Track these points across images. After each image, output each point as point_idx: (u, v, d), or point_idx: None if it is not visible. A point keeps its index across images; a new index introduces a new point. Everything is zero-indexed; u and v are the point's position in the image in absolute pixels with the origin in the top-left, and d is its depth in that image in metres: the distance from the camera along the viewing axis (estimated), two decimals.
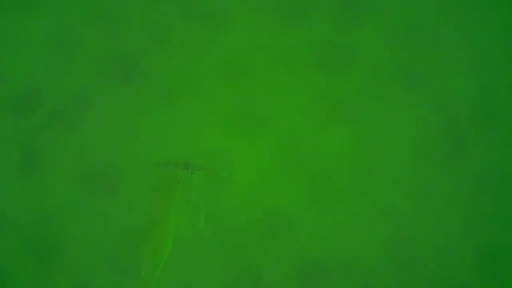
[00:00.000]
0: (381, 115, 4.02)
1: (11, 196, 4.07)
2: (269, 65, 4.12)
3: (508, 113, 4.02)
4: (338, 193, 3.96)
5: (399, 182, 3.95)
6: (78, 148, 4.11)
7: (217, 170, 3.98)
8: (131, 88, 4.17)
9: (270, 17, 4.21)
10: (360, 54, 4.12)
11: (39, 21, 4.26)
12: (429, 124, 4.00)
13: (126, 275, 3.92)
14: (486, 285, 3.85)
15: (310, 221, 3.93)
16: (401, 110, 4.02)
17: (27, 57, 4.24)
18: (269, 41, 4.16)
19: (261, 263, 3.89)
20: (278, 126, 4.03)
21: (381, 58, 4.10)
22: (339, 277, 3.87)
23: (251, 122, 4.05)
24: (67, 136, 4.12)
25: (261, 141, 4.01)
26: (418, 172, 3.96)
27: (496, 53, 4.09)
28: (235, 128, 4.05)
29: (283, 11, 4.20)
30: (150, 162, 4.04)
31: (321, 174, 3.97)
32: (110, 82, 4.19)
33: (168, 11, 4.25)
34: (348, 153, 3.99)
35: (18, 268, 4.00)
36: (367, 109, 4.04)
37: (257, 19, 4.20)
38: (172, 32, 4.23)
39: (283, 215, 3.94)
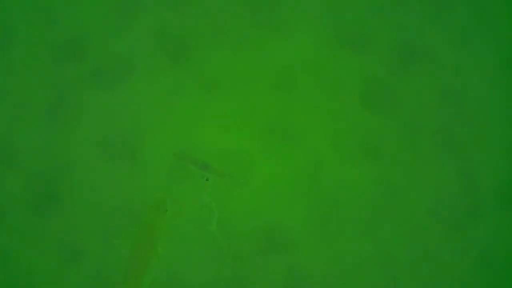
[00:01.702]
0: (408, 165, 4.04)
1: (32, 138, 4.07)
2: (315, 86, 4.13)
3: None
4: (344, 227, 3.98)
5: (404, 235, 3.97)
6: (108, 109, 4.10)
7: (236, 174, 3.98)
8: (175, 68, 4.16)
9: (328, 39, 4.21)
10: (404, 100, 4.13)
11: None
12: (451, 188, 4.02)
13: (117, 243, 3.93)
14: None
15: (310, 245, 3.95)
16: (428, 167, 4.03)
17: (84, 7, 4.23)
18: (321, 62, 4.16)
19: (252, 273, 3.91)
20: (306, 149, 4.04)
21: (424, 110, 4.11)
22: None
23: (282, 136, 4.06)
24: (101, 95, 4.12)
25: (286, 158, 4.02)
26: (426, 232, 3.98)
27: None
28: (265, 137, 4.06)
29: (342, 38, 4.20)
30: (173, 145, 4.04)
31: (333, 205, 3.99)
32: (157, 56, 4.18)
33: (234, 4, 4.24)
34: (365, 193, 4.00)
35: (16, 207, 4.01)
36: (396, 155, 4.06)
37: (315, 37, 4.20)
38: (231, 25, 4.22)
39: (287, 233, 3.96)
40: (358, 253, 3.95)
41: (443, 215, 3.98)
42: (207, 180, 3.95)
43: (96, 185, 4.02)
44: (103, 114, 4.10)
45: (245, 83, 4.14)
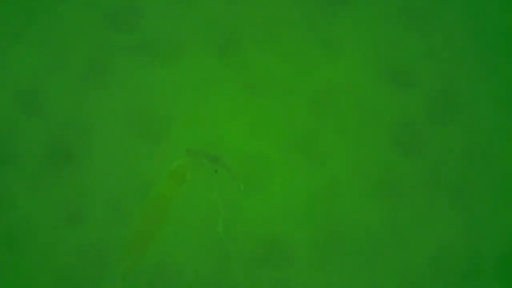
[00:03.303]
0: (419, 210, 4.04)
1: (64, 93, 4.15)
2: (351, 112, 4.15)
3: None
4: (343, 254, 3.99)
5: (400, 277, 3.98)
6: (145, 84, 4.16)
7: (250, 177, 4.02)
8: (221, 60, 4.20)
9: (376, 70, 4.22)
10: (431, 146, 4.12)
11: None
12: (455, 244, 4.02)
13: (125, 211, 3.99)
14: None
15: (306, 264, 3.98)
16: (439, 216, 4.04)
17: None
18: (362, 90, 4.18)
19: (241, 276, 3.95)
20: (326, 170, 4.06)
21: (448, 159, 4.11)
22: None
23: (306, 152, 4.08)
24: (141, 69, 4.18)
25: (304, 174, 4.05)
26: (422, 280, 3.99)
27: None
28: (289, 149, 4.08)
29: (390, 72, 4.21)
30: (199, 136, 4.07)
31: (339, 231, 4.01)
32: (206, 44, 4.23)
33: (292, 12, 4.27)
34: (372, 226, 4.01)
35: (31, 154, 4.07)
36: (410, 197, 4.06)
37: (364, 65, 4.22)
38: (284, 32, 4.26)
39: (287, 247, 3.98)
40: (351, 284, 3.97)
41: (443, 267, 3.98)
42: (216, 171, 3.97)
43: (113, 155, 4.06)
44: (139, 88, 4.15)
45: (284, 92, 4.17)
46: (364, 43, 4.23)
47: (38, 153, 4.08)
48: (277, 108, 4.14)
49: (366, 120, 4.13)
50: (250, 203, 4.01)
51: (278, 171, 4.05)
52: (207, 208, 3.98)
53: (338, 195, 4.03)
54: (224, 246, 3.95)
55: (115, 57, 4.19)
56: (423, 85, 4.20)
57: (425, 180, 4.07)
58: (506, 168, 4.10)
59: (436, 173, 4.08)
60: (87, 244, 3.96)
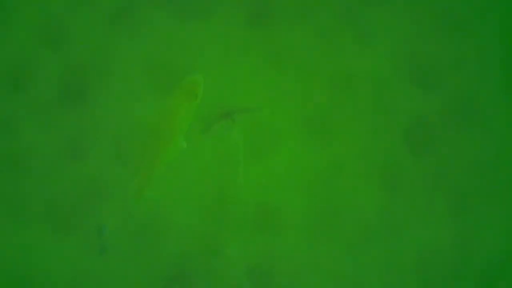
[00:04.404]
0: (418, 206, 4.05)
1: (86, 30, 4.18)
2: (372, 104, 4.15)
3: None
4: (334, 237, 4.01)
5: (386, 269, 4.00)
6: (171, 38, 4.17)
7: (258, 144, 4.03)
8: (253, 32, 4.20)
9: (401, 70, 4.21)
10: (443, 151, 4.12)
11: None
12: (443, 248, 4.02)
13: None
14: None
15: (297, 240, 4.00)
16: (434, 217, 4.04)
17: None
18: (385, 85, 4.17)
19: (233, 242, 3.96)
20: (337, 152, 4.07)
21: (457, 167, 4.10)
22: None
23: (322, 132, 4.09)
24: (171, 23, 4.18)
25: (308, 153, 4.06)
26: (405, 274, 3.99)
27: None
28: (306, 129, 4.09)
29: (413, 75, 4.20)
30: (214, 101, 4.07)
31: (335, 212, 4.02)
32: (238, 11, 4.22)
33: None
34: (368, 215, 4.03)
35: (44, 85, 4.10)
36: (411, 192, 4.06)
37: (391, 59, 4.21)
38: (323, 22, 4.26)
39: (277, 220, 4.00)
40: (335, 262, 3.97)
41: (427, 267, 3.99)
42: (233, 120, 3.97)
43: (125, 101, 4.08)
44: (162, 40, 4.16)
45: (306, 70, 4.17)
46: (394, 39, 4.22)
47: (52, 87, 4.10)
48: (296, 84, 4.14)
49: (381, 112, 4.13)
50: (252, 169, 4.02)
51: (285, 143, 4.07)
52: (211, 161, 4.01)
53: (340, 177, 4.05)
54: (220, 205, 3.97)
55: (143, 7, 4.19)
56: (444, 89, 4.18)
57: (428, 180, 4.07)
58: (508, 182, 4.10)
59: (440, 176, 4.08)
60: (86, 179, 4.00)
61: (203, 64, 4.14)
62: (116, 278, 3.93)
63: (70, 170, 4.01)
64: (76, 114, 4.07)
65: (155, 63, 4.13)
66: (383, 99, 4.15)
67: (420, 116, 4.14)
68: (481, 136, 4.14)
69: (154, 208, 3.97)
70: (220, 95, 4.09)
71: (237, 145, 4.03)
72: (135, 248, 3.95)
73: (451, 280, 3.99)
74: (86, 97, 4.08)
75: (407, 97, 4.16)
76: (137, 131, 4.01)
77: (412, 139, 4.12)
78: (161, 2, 4.20)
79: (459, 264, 4.00)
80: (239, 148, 4.03)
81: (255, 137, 4.06)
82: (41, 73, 4.12)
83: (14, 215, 3.97)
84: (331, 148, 4.07)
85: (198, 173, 4.04)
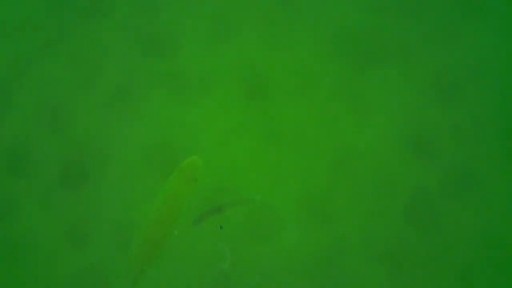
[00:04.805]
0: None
1: (89, 117, 4.18)
2: (364, 182, 4.15)
3: None
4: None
5: None
6: None
7: (259, 225, 4.01)
8: (250, 102, 4.20)
9: (395, 145, 4.22)
10: (441, 222, 4.11)
11: None
12: None
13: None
14: None
15: None
16: None
17: None
18: (381, 162, 4.18)
19: None
20: (334, 235, 4.07)
21: (456, 239, 4.09)
22: None
23: (318, 211, 4.08)
24: None
25: (310, 234, 4.04)
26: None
27: None
28: (302, 204, 4.08)
29: (412, 146, 4.21)
30: (213, 177, 4.06)
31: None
32: (233, 91, 4.23)
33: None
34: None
35: (47, 176, 4.09)
36: (417, 271, 4.04)
37: (390, 127, 4.22)
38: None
39: None
40: None
41: None
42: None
43: (125, 184, 4.07)
44: (161, 122, 4.17)
45: (306, 146, 4.15)
46: (390, 110, 4.23)
47: (52, 170, 4.09)
48: (296, 161, 4.13)
49: (382, 187, 4.11)
50: (255, 253, 4.00)
51: (287, 225, 4.04)
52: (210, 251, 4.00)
53: (343, 257, 4.02)
54: None
55: (143, 85, 4.20)
56: (443, 159, 4.18)
57: (433, 257, 4.04)
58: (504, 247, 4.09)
59: (446, 251, 4.05)
60: (88, 267, 3.96)
61: (202, 145, 4.13)
62: None
63: (69, 258, 3.98)
64: (76, 198, 4.05)
65: (154, 145, 4.13)
66: (383, 173, 4.14)
67: (421, 188, 4.13)
68: (483, 206, 4.13)
69: None
70: (220, 176, 4.08)
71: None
72: None
73: None
74: (86, 180, 4.07)
75: (407, 169, 4.15)
76: (137, 216, 3.99)
77: (413, 214, 4.10)
78: (159, 82, 4.22)
79: None
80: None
81: (257, 219, 4.05)
82: (40, 156, 4.11)
83: None
84: (333, 228, 4.05)
85: (187, 262, 4.01)
